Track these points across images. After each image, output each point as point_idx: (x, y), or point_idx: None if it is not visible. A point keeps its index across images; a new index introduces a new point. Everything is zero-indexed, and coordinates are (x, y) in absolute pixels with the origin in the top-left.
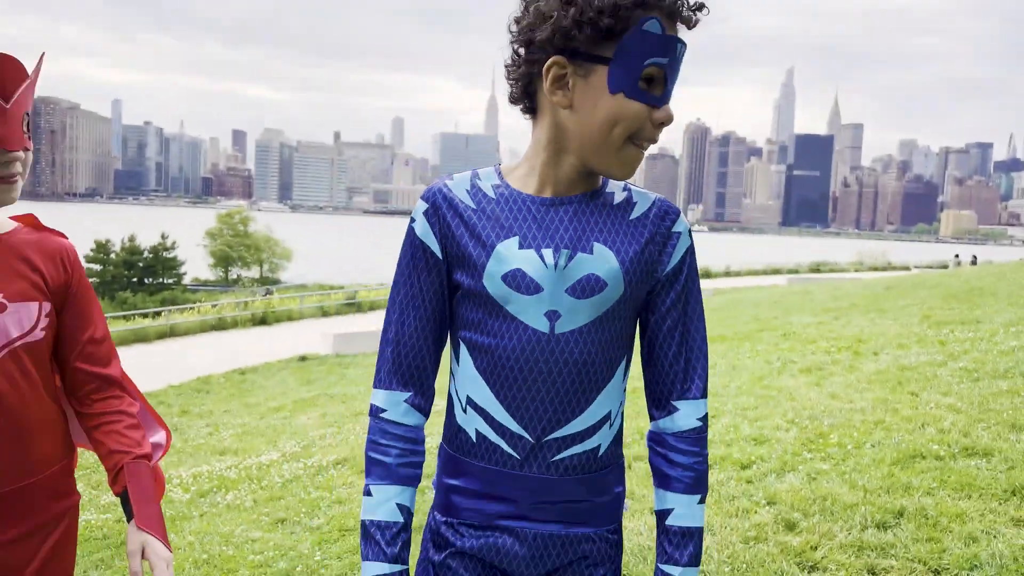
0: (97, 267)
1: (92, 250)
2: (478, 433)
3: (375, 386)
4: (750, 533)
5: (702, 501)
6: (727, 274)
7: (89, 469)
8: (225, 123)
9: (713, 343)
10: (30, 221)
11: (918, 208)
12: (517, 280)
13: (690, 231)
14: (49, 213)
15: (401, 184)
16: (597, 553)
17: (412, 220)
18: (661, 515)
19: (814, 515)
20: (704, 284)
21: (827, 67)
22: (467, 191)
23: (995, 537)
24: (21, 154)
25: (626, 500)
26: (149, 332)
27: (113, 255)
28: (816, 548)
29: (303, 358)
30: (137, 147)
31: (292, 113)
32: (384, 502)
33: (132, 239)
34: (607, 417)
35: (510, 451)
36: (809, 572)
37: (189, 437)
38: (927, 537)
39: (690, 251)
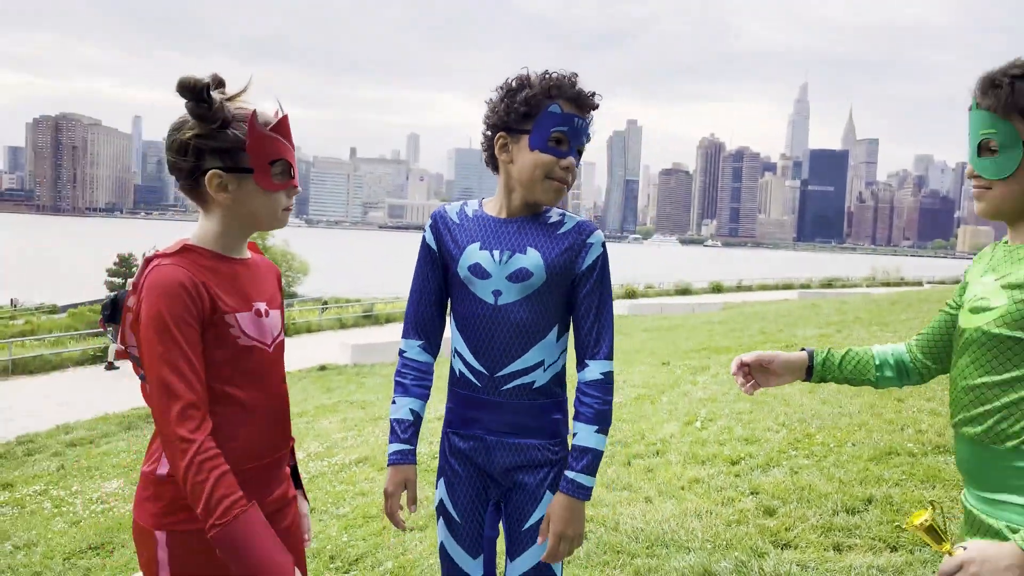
0: (119, 280)
1: (115, 263)
2: (459, 370)
3: (402, 336)
4: (732, 517)
5: (599, 432)
6: (739, 288)
7: (128, 467)
8: None
9: (718, 354)
10: (252, 246)
11: (934, 224)
12: (476, 269)
13: (603, 243)
14: (70, 227)
15: (416, 199)
16: (541, 458)
17: (424, 230)
18: (573, 439)
19: (792, 502)
20: (714, 298)
21: (841, 82)
22: (456, 213)
23: (950, 520)
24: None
25: (571, 429)
26: None
27: (134, 269)
28: (790, 529)
29: (323, 367)
30: (156, 163)
31: (308, 129)
32: (402, 407)
33: None
34: (540, 363)
35: (476, 382)
36: (782, 549)
37: None
38: (889, 520)
39: (602, 256)
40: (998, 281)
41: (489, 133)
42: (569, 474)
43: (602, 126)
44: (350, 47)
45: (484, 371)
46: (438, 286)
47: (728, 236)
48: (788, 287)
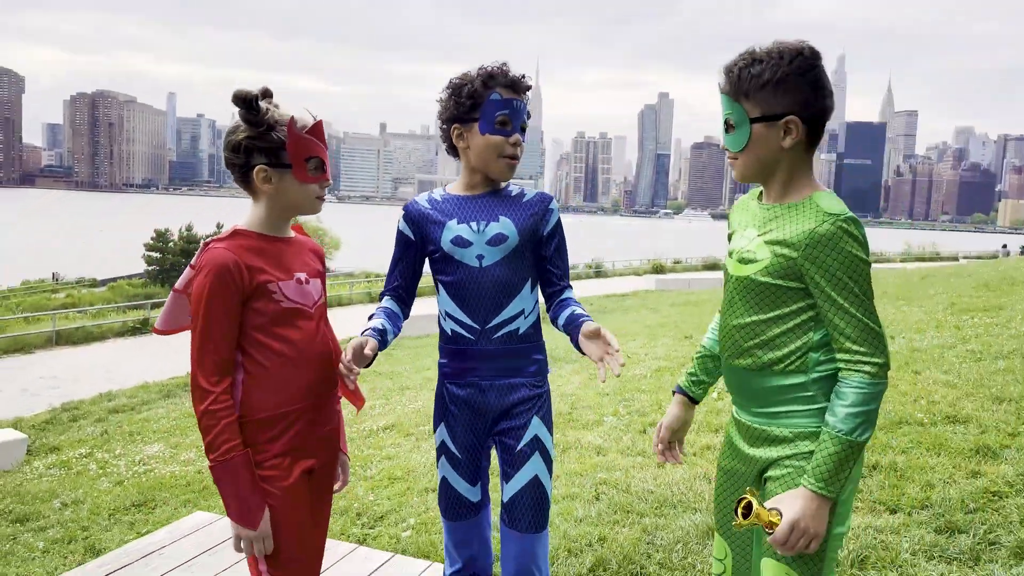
0: (157, 255)
1: (152, 239)
2: (452, 330)
3: (380, 295)
4: None
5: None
6: None
7: (168, 432)
8: None
9: None
10: (297, 228)
11: (974, 197)
12: (458, 240)
13: (558, 209)
14: (109, 203)
15: (446, 174)
16: (528, 393)
17: (399, 221)
18: (570, 316)
19: None
20: None
21: (879, 53)
22: (426, 200)
23: (950, 485)
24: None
25: (548, 367)
26: None
27: (172, 244)
28: None
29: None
30: (190, 139)
31: (340, 105)
32: (377, 318)
33: (189, 228)
34: (521, 312)
35: (469, 336)
36: None
37: None
38: (892, 484)
39: (559, 221)
40: (761, 237)
41: (445, 127)
42: (581, 313)
43: (633, 99)
44: (383, 22)
45: (476, 325)
46: (409, 265)
47: None
48: None
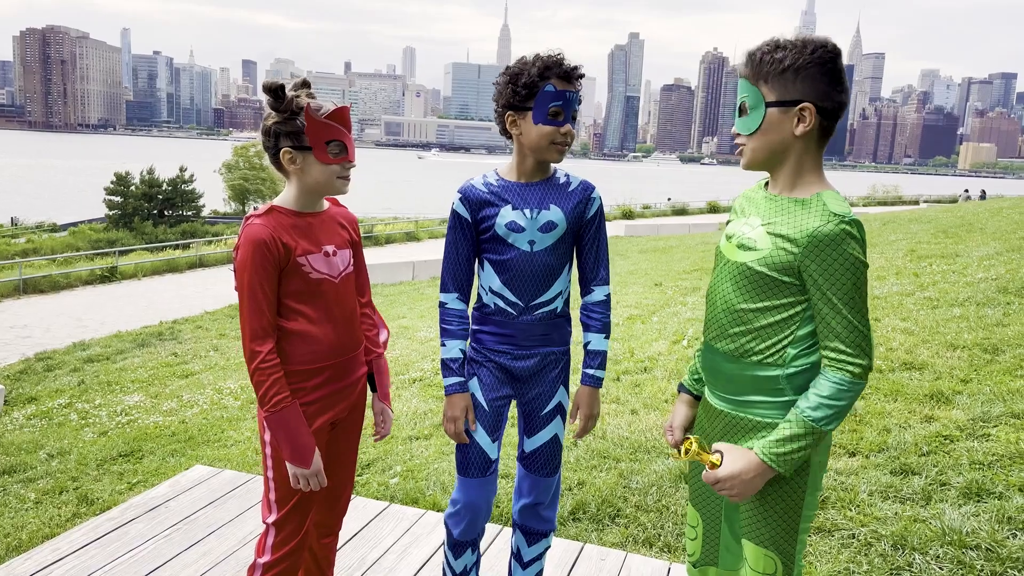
0: (118, 199)
1: (112, 182)
2: (494, 303)
3: (441, 291)
4: None
5: (606, 338)
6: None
7: (146, 382)
8: (235, 53)
9: (709, 275)
10: (333, 201)
11: (937, 140)
12: (512, 226)
13: (600, 198)
14: (64, 145)
15: (412, 116)
16: (555, 360)
17: (454, 203)
18: (585, 346)
19: None
20: (710, 219)
21: None
22: (482, 184)
23: (905, 429)
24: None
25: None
26: (180, 263)
27: (133, 187)
28: None
29: None
30: (147, 78)
31: (304, 42)
32: (452, 348)
33: (151, 172)
34: (560, 293)
35: (511, 311)
36: None
37: (230, 356)
38: (851, 429)
39: (600, 208)
40: (765, 227)
41: (500, 111)
42: (589, 371)
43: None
44: None
45: (519, 303)
46: (469, 247)
47: (729, 154)
48: None
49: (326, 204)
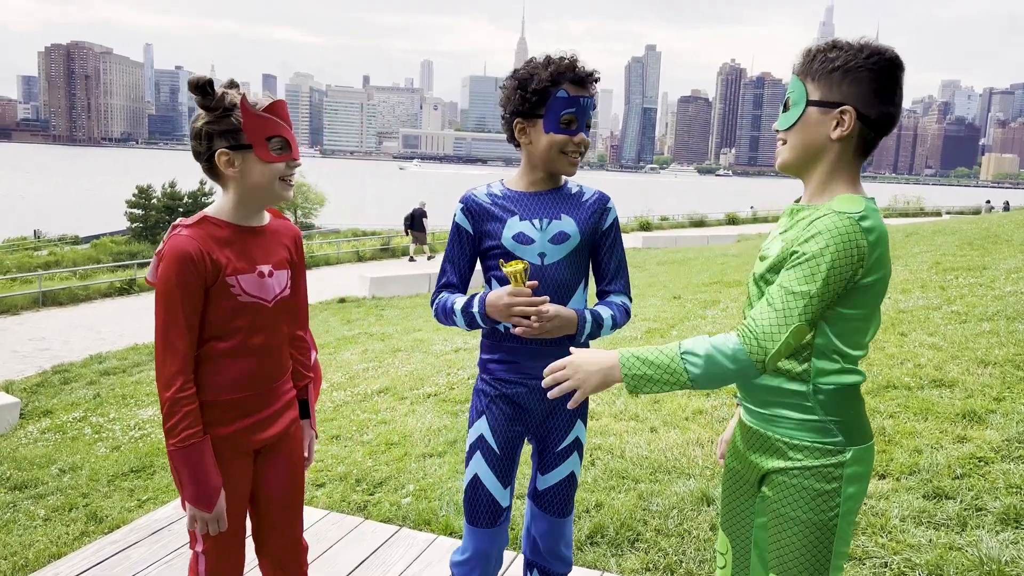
0: (139, 212)
1: (134, 195)
2: (505, 327)
3: (434, 294)
4: None
5: (614, 318)
6: (754, 220)
7: None
8: (255, 67)
9: (729, 288)
10: (276, 213)
11: (958, 151)
12: (520, 237)
13: (615, 210)
14: (87, 159)
15: (430, 129)
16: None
17: (456, 214)
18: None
19: None
20: (729, 230)
21: (869, 3)
22: (485, 194)
23: (937, 450)
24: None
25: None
26: None
27: (155, 200)
28: None
29: (342, 300)
30: (169, 92)
31: (322, 57)
32: (458, 299)
33: (172, 185)
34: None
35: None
36: None
37: None
38: (880, 450)
39: (616, 220)
40: (780, 235)
41: (508, 118)
42: (587, 310)
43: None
44: None
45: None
46: (467, 263)
47: (747, 165)
48: None
49: (267, 217)
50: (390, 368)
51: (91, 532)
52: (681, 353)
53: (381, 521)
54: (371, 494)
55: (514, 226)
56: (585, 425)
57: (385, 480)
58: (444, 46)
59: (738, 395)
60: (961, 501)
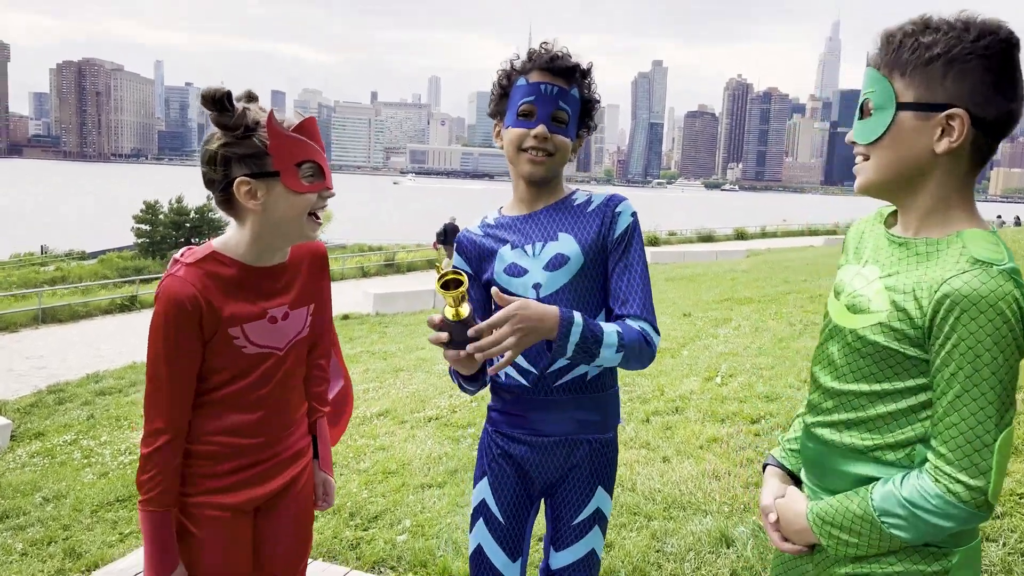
0: (146, 227)
1: (141, 211)
2: (505, 373)
3: None
4: (752, 480)
5: (618, 343)
6: (763, 235)
7: None
8: (264, 84)
9: (741, 305)
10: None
11: None
12: (512, 269)
13: (634, 212)
14: (97, 174)
15: (437, 144)
16: (590, 452)
17: (454, 257)
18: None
19: None
20: (737, 246)
21: (876, 18)
22: (479, 227)
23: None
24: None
25: (621, 419)
26: None
27: (162, 216)
28: None
29: (345, 316)
30: (179, 108)
31: (330, 73)
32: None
33: (179, 200)
34: None
35: (524, 382)
36: None
37: None
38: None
39: (632, 224)
40: (882, 280)
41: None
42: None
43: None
44: None
45: (532, 370)
46: (479, 307)
47: (754, 180)
48: (814, 233)
49: (288, 252)
50: (391, 389)
51: (66, 570)
52: (875, 512)
53: (373, 564)
54: (365, 529)
55: (506, 257)
56: (610, 494)
57: (381, 514)
58: (452, 62)
59: (805, 477)
60: (1004, 544)
